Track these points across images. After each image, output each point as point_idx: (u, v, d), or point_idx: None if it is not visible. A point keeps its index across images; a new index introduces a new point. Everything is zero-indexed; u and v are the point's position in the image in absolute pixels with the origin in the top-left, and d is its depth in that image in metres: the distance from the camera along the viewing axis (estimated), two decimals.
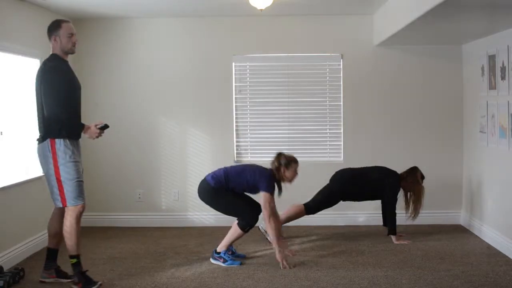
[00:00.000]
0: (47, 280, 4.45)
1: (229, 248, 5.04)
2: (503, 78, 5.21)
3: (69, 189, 4.20)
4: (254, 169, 5.02)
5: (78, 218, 4.26)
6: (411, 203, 5.72)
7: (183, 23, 6.54)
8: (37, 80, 4.23)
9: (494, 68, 5.39)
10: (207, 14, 6.37)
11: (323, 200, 5.71)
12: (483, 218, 5.83)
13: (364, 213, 6.39)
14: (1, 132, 5.09)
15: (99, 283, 4.31)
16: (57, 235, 4.45)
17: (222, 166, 5.13)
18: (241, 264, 4.95)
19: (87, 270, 4.36)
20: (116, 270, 4.83)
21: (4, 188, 4.94)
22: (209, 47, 6.53)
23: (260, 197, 4.94)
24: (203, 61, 6.55)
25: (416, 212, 5.71)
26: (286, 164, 4.99)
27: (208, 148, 6.55)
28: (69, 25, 4.32)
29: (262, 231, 5.70)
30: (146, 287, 4.38)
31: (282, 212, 5.59)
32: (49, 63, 4.25)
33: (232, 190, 4.99)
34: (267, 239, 5.67)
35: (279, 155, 5.05)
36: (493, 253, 5.23)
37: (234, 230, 4.97)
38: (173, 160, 6.62)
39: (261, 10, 5.27)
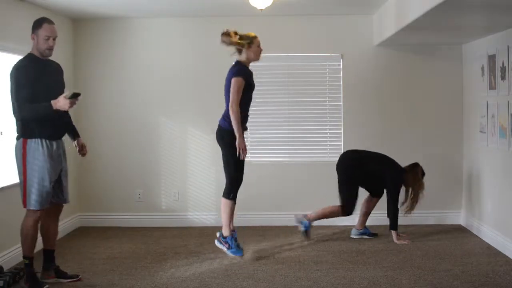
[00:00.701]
0: (46, 281, 4.44)
1: (234, 235, 4.99)
2: (503, 78, 5.21)
3: (31, 192, 4.16)
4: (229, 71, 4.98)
5: (36, 222, 4.22)
6: (409, 198, 5.69)
7: (183, 23, 6.54)
8: (9, 80, 4.21)
9: (494, 68, 5.39)
10: (207, 14, 6.36)
11: (346, 196, 5.66)
12: (483, 218, 5.82)
13: None
14: (1, 132, 5.09)
15: (46, 286, 4.28)
16: (50, 235, 4.48)
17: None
18: (243, 255, 4.94)
19: (37, 272, 4.35)
20: (116, 270, 4.83)
21: (4, 188, 4.94)
22: (209, 47, 6.52)
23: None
24: (203, 61, 6.55)
25: (411, 208, 5.67)
26: (248, 42, 4.91)
27: (208, 148, 6.55)
28: (50, 27, 4.21)
29: (297, 222, 5.73)
30: (146, 287, 4.38)
31: (318, 209, 5.70)
32: (18, 63, 4.19)
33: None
34: (301, 231, 5.70)
35: (236, 34, 4.93)
36: (493, 253, 5.23)
37: (224, 204, 4.96)
38: (173, 160, 6.62)
39: (261, 10, 5.27)
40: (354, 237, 5.85)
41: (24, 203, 4.20)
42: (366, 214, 5.89)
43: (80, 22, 6.51)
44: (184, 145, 6.60)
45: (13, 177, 5.11)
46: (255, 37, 4.96)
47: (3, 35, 4.96)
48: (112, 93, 6.58)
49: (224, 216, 4.99)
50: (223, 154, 5.05)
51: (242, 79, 4.83)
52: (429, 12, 4.20)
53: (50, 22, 4.25)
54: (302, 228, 5.70)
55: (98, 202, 6.60)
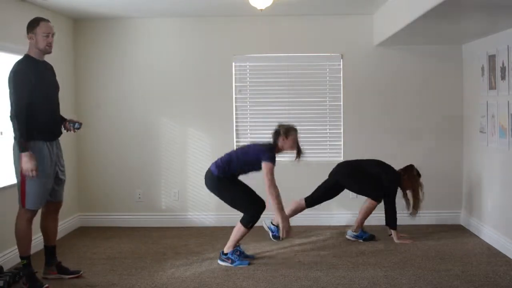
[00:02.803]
0: (48, 276, 4.49)
1: (237, 248, 5.01)
2: (503, 78, 5.21)
3: (29, 192, 4.19)
4: (257, 146, 5.07)
5: (30, 222, 4.26)
6: (411, 200, 5.71)
7: (183, 23, 6.54)
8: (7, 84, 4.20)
9: (494, 68, 5.39)
10: (207, 14, 6.37)
11: (323, 193, 5.78)
12: (483, 218, 5.83)
13: None
14: (1, 132, 5.09)
15: (45, 286, 4.28)
16: (49, 232, 4.52)
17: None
18: (249, 264, 4.94)
19: (36, 272, 4.35)
20: (116, 270, 4.83)
21: (4, 188, 4.94)
22: (209, 47, 6.53)
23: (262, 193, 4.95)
24: (203, 61, 6.55)
25: (416, 208, 5.70)
26: (285, 133, 5.02)
27: (208, 148, 6.55)
28: (48, 24, 4.25)
29: (266, 228, 5.73)
30: (146, 287, 4.39)
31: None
32: (15, 67, 4.18)
33: (237, 175, 5.03)
34: (270, 237, 5.69)
35: (279, 126, 5.10)
36: (493, 253, 5.23)
37: (238, 228, 4.96)
38: (173, 160, 6.62)
39: (261, 10, 5.27)
40: (350, 238, 5.80)
41: (23, 203, 4.22)
42: (364, 216, 5.80)
43: (81, 22, 6.51)
44: (184, 145, 6.60)
45: (13, 177, 5.12)
46: (294, 130, 5.10)
47: (3, 35, 4.96)
48: (112, 93, 6.58)
49: (234, 238, 4.98)
50: (222, 200, 5.08)
51: (273, 165, 4.90)
52: (429, 12, 4.20)
53: (46, 20, 4.29)
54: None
55: (98, 202, 6.61)
